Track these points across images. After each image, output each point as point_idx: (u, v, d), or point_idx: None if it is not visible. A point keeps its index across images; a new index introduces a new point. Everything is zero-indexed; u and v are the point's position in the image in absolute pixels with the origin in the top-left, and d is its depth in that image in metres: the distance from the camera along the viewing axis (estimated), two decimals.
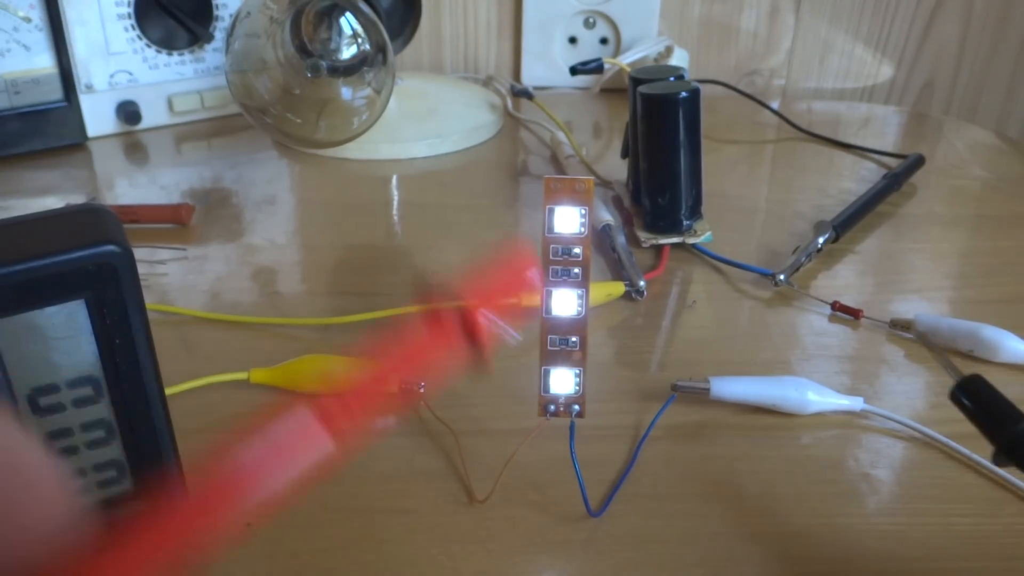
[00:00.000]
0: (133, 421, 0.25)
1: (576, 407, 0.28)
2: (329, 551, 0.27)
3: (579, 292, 0.26)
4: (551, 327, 0.27)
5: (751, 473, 0.31)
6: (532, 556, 0.27)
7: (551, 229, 0.26)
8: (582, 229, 0.25)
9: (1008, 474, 0.30)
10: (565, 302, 0.26)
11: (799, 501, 0.29)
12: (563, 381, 0.27)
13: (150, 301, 0.40)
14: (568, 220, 0.25)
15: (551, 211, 0.25)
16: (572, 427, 0.28)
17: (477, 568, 0.26)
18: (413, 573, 0.26)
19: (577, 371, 0.27)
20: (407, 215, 0.52)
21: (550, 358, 0.27)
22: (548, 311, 0.26)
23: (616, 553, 0.27)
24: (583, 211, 0.25)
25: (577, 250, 0.26)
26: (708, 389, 0.33)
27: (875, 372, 0.37)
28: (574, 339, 0.27)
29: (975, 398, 0.23)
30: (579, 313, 0.26)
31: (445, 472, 0.30)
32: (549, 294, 0.26)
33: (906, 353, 0.38)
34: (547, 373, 0.27)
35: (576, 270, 0.26)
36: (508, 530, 0.28)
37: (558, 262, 0.26)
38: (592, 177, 0.38)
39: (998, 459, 0.22)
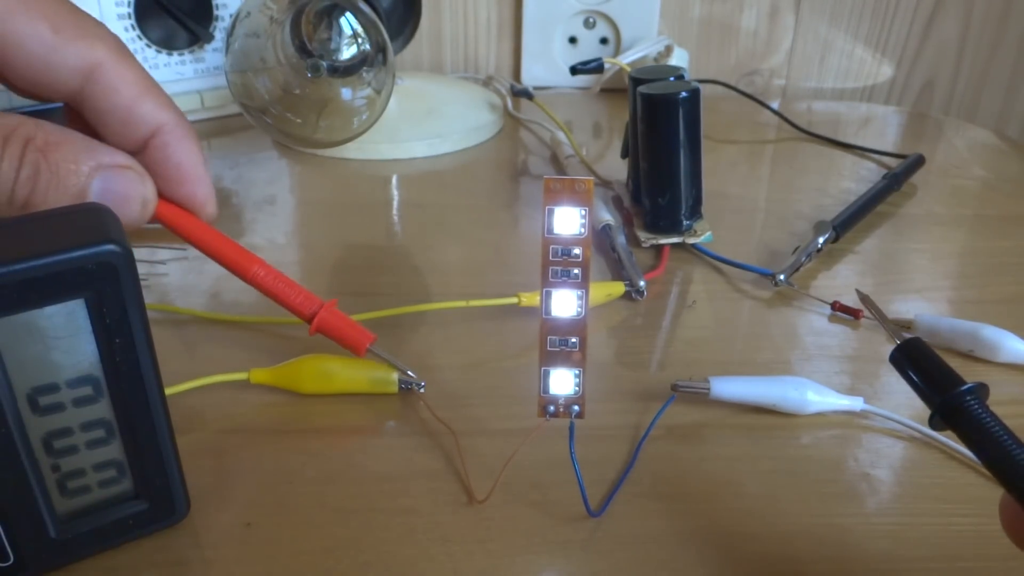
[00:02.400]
0: (133, 421, 0.25)
1: (576, 408, 0.28)
2: (329, 551, 0.27)
3: (579, 293, 0.26)
4: (551, 328, 0.27)
5: (751, 473, 0.31)
6: (532, 556, 0.27)
7: (550, 230, 0.26)
8: (582, 230, 0.25)
9: None
10: (565, 303, 0.26)
11: (799, 501, 0.29)
12: (563, 382, 0.27)
13: (150, 301, 0.40)
14: (568, 221, 0.25)
15: (550, 212, 0.25)
16: (572, 428, 0.28)
17: (477, 568, 0.26)
18: (413, 573, 0.26)
19: (577, 372, 0.27)
20: (407, 215, 0.52)
21: (549, 359, 0.27)
22: (548, 312, 0.26)
23: (616, 553, 0.27)
24: (583, 212, 0.25)
25: (577, 251, 0.26)
26: (708, 389, 0.33)
27: (875, 372, 0.37)
28: (574, 340, 0.27)
29: (914, 362, 0.23)
30: (579, 314, 0.26)
31: (445, 472, 0.30)
32: (548, 295, 0.26)
33: None
34: (547, 374, 0.27)
35: (576, 271, 0.26)
36: (508, 530, 0.28)
37: (557, 263, 0.26)
38: (592, 177, 0.38)
39: (934, 423, 0.22)
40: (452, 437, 0.32)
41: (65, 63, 0.26)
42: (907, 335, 0.24)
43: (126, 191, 0.27)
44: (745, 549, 0.27)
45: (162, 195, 0.30)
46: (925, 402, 0.23)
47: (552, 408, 0.28)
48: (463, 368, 0.36)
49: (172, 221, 0.30)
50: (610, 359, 0.37)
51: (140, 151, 0.28)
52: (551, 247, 0.26)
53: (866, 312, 0.40)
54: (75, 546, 0.26)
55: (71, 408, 0.24)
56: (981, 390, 0.22)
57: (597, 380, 0.35)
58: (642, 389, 0.35)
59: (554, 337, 0.27)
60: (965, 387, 0.22)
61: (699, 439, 0.32)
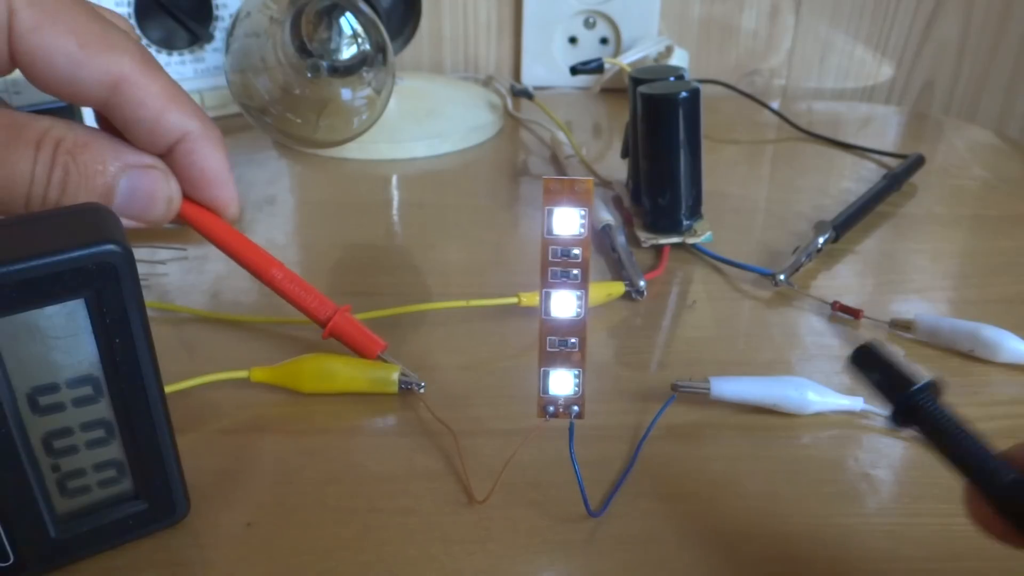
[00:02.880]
0: (133, 421, 0.25)
1: (575, 408, 0.28)
2: (329, 551, 0.27)
3: (578, 294, 0.26)
4: (550, 328, 0.27)
5: (751, 473, 0.31)
6: (532, 556, 0.27)
7: (550, 230, 0.26)
8: (582, 230, 0.25)
9: None
10: (564, 303, 0.26)
11: (799, 501, 0.29)
12: (562, 382, 0.27)
13: (150, 300, 0.40)
14: (567, 221, 0.25)
15: (550, 212, 0.25)
16: (571, 428, 0.28)
17: (477, 568, 0.26)
18: (413, 573, 0.26)
19: (576, 372, 0.27)
20: (407, 215, 0.52)
21: (549, 359, 0.27)
22: (547, 312, 0.26)
23: (616, 553, 0.27)
24: (583, 212, 0.25)
25: (576, 251, 0.26)
26: (708, 389, 0.33)
27: None
28: (573, 340, 0.27)
29: (872, 363, 0.23)
30: (578, 314, 0.26)
31: (445, 472, 0.30)
32: (548, 295, 0.26)
33: (906, 353, 0.38)
34: (546, 374, 0.27)
35: (575, 271, 0.26)
36: (508, 530, 0.28)
37: (557, 263, 0.26)
38: (592, 177, 0.38)
39: (896, 420, 0.22)
40: (452, 437, 0.32)
41: (91, 77, 0.26)
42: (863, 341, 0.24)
43: (152, 190, 0.28)
44: (745, 549, 0.27)
45: (186, 196, 0.30)
46: (887, 400, 0.23)
47: (552, 408, 0.28)
48: (463, 368, 0.36)
49: (195, 220, 0.31)
50: (610, 359, 0.37)
51: (166, 155, 0.29)
52: (550, 248, 0.26)
53: (866, 312, 0.40)
54: (75, 546, 0.26)
55: (71, 408, 0.24)
56: (933, 387, 0.22)
57: (597, 380, 0.35)
58: (642, 389, 0.35)
59: (554, 338, 0.27)
60: (916, 387, 0.22)
61: (699, 439, 0.32)
